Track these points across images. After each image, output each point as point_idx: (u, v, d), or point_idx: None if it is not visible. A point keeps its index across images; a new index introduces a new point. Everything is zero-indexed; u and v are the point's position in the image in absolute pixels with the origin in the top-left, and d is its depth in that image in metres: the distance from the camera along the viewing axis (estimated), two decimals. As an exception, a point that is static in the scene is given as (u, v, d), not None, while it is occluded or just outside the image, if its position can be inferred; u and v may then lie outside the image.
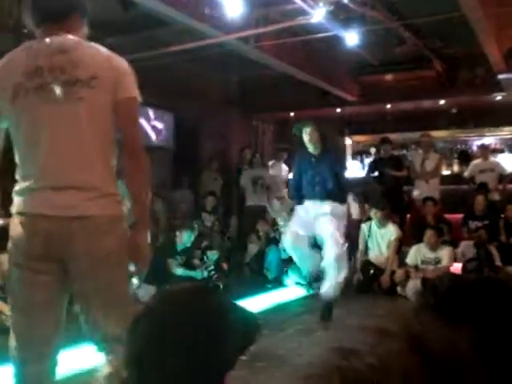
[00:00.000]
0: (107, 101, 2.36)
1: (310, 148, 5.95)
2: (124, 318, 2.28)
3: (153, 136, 10.17)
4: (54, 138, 2.32)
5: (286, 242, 6.15)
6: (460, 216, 9.06)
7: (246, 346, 1.18)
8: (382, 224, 7.92)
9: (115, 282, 2.36)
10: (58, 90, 2.32)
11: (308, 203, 5.97)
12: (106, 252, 2.32)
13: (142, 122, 9.87)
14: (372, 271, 7.84)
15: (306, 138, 5.90)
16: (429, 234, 7.44)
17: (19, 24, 6.18)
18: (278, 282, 8.30)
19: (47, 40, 2.39)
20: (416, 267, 7.38)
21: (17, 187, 2.40)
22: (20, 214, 2.36)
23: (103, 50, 2.44)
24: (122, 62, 2.44)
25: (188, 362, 1.08)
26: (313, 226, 5.88)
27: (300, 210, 6.05)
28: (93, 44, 2.46)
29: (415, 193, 9.34)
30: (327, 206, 5.79)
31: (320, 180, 5.88)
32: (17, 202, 2.38)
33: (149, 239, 2.46)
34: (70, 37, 2.41)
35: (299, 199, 6.11)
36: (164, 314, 1.15)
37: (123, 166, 2.43)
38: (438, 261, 7.32)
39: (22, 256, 2.33)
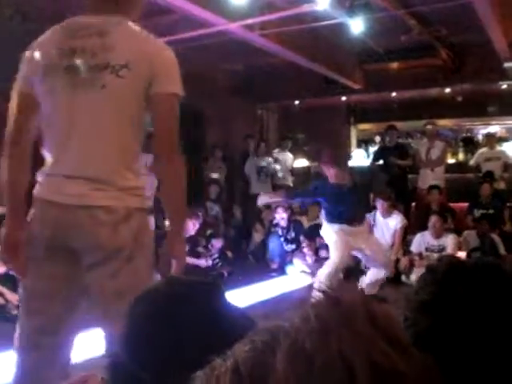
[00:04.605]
0: (136, 93, 2.17)
1: None
2: None
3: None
4: (71, 125, 2.18)
5: None
6: (465, 205, 9.06)
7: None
8: (386, 213, 7.91)
9: (125, 276, 2.17)
10: (83, 75, 2.15)
11: None
12: (117, 245, 2.16)
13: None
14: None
15: None
16: (433, 219, 7.44)
17: (17, 12, 6.19)
18: (281, 271, 8.32)
19: (89, 19, 2.23)
20: (420, 255, 7.39)
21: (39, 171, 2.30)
22: (36, 199, 2.28)
23: (143, 33, 2.23)
24: (161, 50, 2.21)
25: (176, 351, 1.08)
26: None
27: None
28: (133, 26, 2.24)
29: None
30: None
31: None
32: (36, 186, 2.29)
33: (184, 251, 2.40)
34: (113, 18, 2.21)
35: None
36: (164, 299, 1.15)
37: (156, 169, 2.28)
38: (442, 248, 7.32)
39: (31, 244, 2.26)
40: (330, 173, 6.13)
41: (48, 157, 2.28)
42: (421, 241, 7.50)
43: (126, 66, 2.12)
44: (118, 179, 2.18)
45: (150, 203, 2.32)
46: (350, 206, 6.15)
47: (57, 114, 2.22)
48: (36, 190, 2.29)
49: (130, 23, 2.24)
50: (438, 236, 7.39)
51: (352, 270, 7.80)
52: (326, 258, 7.99)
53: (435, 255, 7.26)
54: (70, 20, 2.29)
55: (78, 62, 2.16)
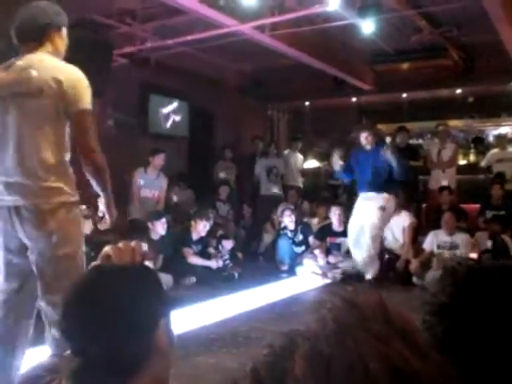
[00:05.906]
0: (55, 112, 2.84)
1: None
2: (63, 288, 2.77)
3: (168, 125, 10.18)
4: (11, 140, 2.86)
5: None
6: (476, 206, 9.02)
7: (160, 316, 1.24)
8: (395, 212, 7.85)
9: (59, 256, 2.88)
10: (17, 101, 2.85)
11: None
12: (49, 231, 2.84)
13: (159, 110, 9.90)
14: (387, 256, 7.87)
15: None
16: (447, 215, 7.42)
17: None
18: (292, 272, 8.30)
19: (21, 58, 2.92)
20: (431, 254, 7.38)
21: None
22: None
23: (58, 64, 2.92)
24: (71, 75, 2.88)
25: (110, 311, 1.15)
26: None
27: None
28: (51, 60, 2.92)
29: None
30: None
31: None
32: None
33: (113, 208, 3.11)
34: (38, 55, 2.92)
35: None
36: (99, 270, 1.27)
37: (83, 166, 2.91)
38: (454, 245, 7.29)
39: None
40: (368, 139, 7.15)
41: None
42: (433, 239, 7.48)
43: (43, 92, 2.81)
44: (51, 181, 2.86)
45: (77, 197, 3.03)
46: (371, 169, 7.00)
47: None
48: None
49: (49, 57, 2.94)
50: (450, 233, 7.36)
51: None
52: (338, 260, 8.01)
53: (446, 253, 7.24)
54: (9, 61, 2.96)
55: (12, 91, 2.87)
